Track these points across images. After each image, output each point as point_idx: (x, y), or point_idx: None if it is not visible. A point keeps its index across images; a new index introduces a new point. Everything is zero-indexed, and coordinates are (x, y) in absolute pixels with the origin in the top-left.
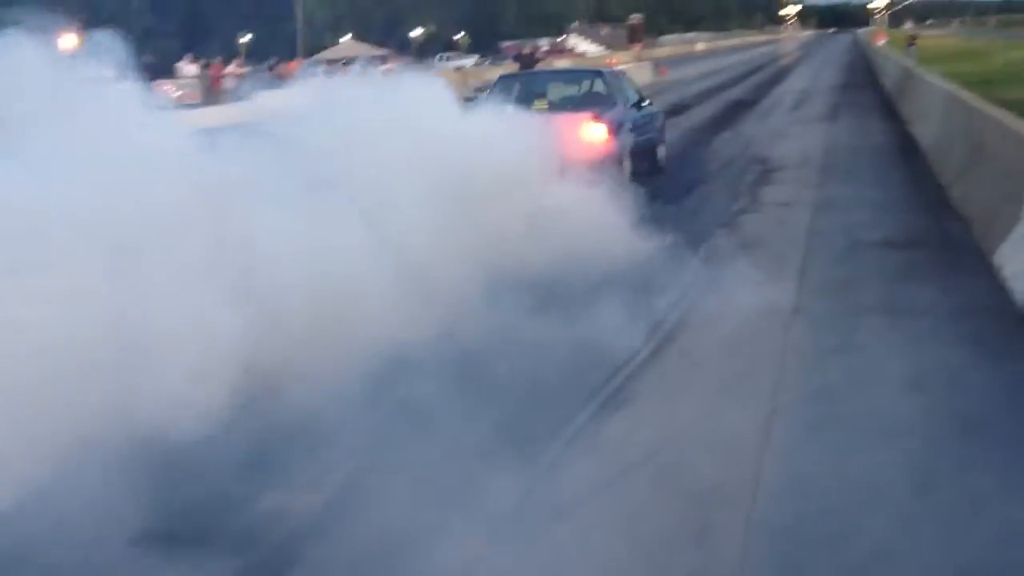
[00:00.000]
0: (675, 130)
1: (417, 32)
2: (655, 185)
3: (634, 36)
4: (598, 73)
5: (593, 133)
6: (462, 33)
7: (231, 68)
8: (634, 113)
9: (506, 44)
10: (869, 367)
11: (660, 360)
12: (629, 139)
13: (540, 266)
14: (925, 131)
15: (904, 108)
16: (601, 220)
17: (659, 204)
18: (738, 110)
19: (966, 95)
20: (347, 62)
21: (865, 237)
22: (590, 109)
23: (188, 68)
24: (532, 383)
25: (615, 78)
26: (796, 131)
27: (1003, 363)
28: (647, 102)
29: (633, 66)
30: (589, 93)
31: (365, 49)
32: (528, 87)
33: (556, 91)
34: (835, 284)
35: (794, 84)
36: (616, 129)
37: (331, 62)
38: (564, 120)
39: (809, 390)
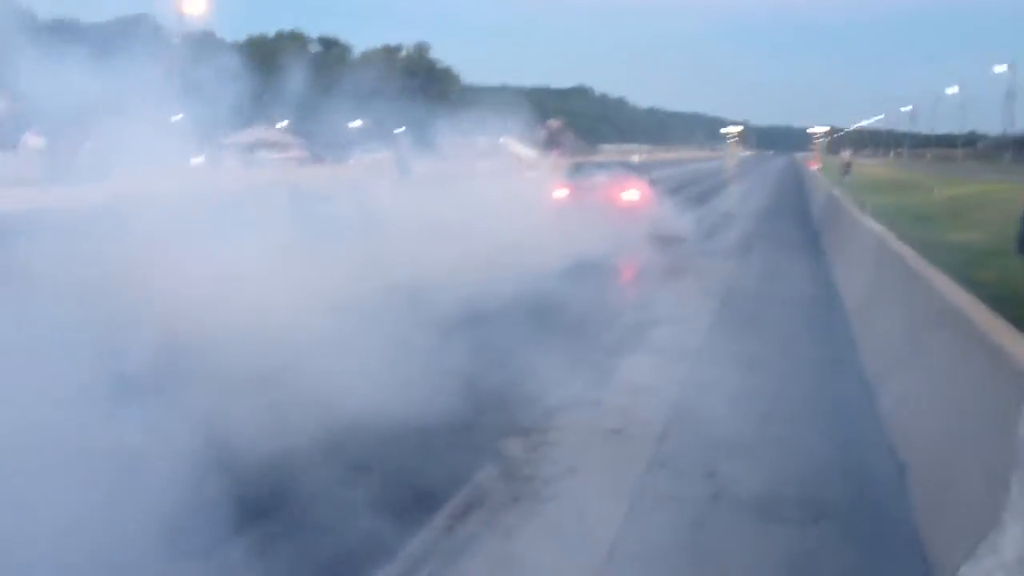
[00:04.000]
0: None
1: (355, 123)
2: None
3: (552, 141)
4: None
5: None
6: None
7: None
8: None
9: (445, 140)
10: None
11: None
12: None
13: None
14: (851, 284)
15: (830, 245)
16: None
17: None
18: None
19: (906, 252)
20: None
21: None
22: None
23: (33, 141)
24: None
25: None
26: (699, 266)
27: None
28: None
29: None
30: None
31: (272, 134)
32: None
33: None
34: None
35: (717, 206)
36: None
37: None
38: None
39: None
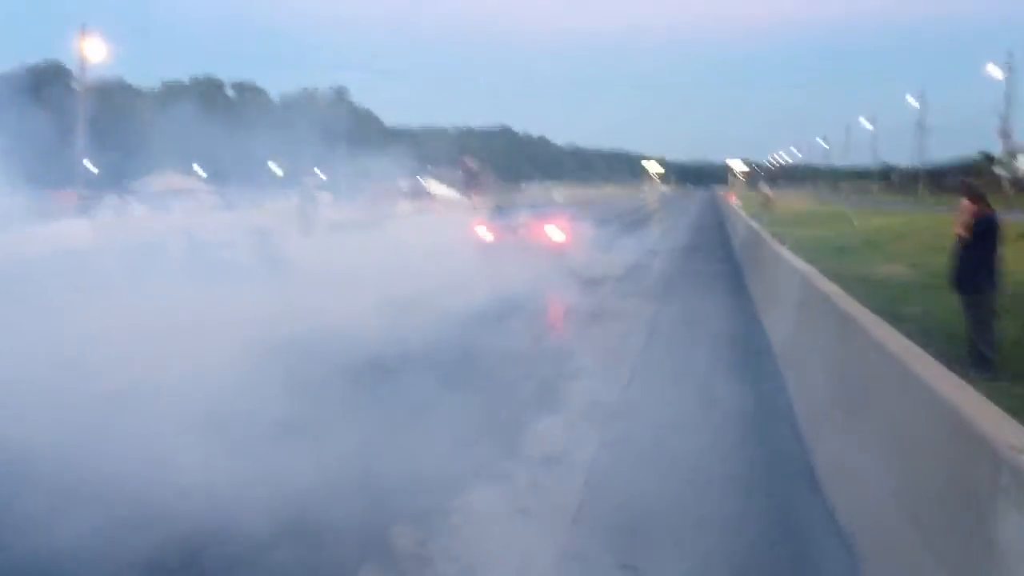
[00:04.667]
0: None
1: (274, 167)
2: None
3: (470, 180)
4: None
5: None
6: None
7: None
8: None
9: (366, 183)
10: None
11: None
12: None
13: None
14: (777, 323)
15: (754, 282)
16: None
17: None
18: (555, 276)
19: (832, 290)
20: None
21: None
22: None
23: None
24: None
25: None
26: (621, 308)
27: None
28: None
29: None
30: None
31: (181, 180)
32: None
33: None
34: None
35: (640, 243)
36: None
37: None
38: None
39: None
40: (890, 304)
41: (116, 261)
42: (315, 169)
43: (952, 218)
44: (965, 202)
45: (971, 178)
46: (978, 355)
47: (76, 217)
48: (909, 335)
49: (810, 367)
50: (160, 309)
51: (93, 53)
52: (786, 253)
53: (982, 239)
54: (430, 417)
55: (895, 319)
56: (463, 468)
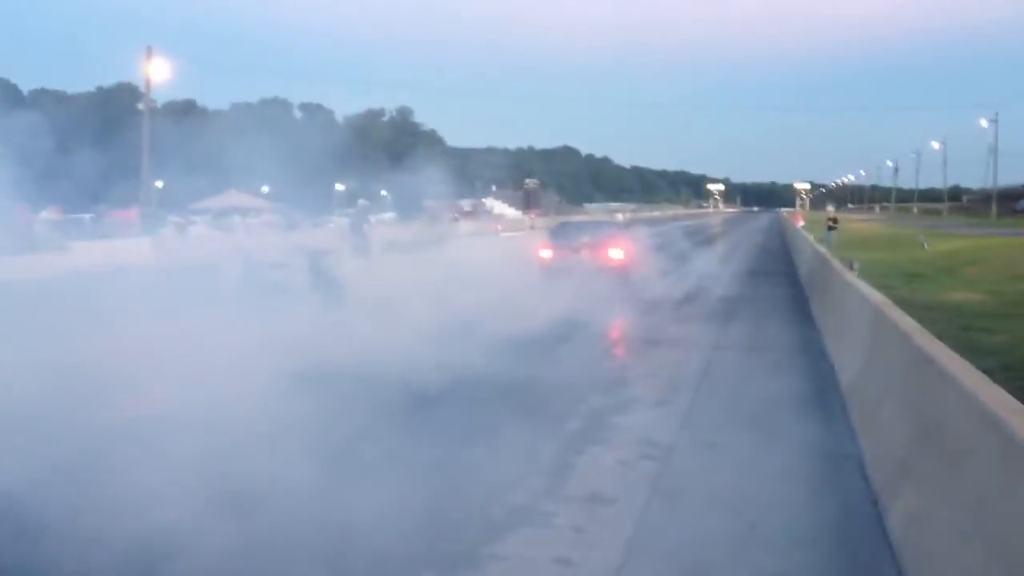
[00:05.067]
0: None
1: (339, 187)
2: None
3: (529, 201)
4: None
5: None
6: (383, 192)
7: (45, 213)
8: None
9: (429, 203)
10: None
11: None
12: None
13: None
14: (846, 357)
15: (820, 310)
16: None
17: None
18: (615, 298)
19: (907, 324)
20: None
21: None
22: None
23: None
24: None
25: None
26: (680, 334)
27: None
28: None
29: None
30: None
31: (245, 199)
32: None
33: None
34: None
35: (702, 265)
36: None
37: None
38: None
39: None
40: (967, 333)
41: (166, 280)
42: (381, 191)
43: None
44: None
45: None
46: None
47: (138, 236)
48: (992, 371)
49: (885, 413)
50: (192, 331)
51: (157, 74)
52: (855, 280)
53: None
54: (471, 447)
55: (976, 352)
56: (502, 508)
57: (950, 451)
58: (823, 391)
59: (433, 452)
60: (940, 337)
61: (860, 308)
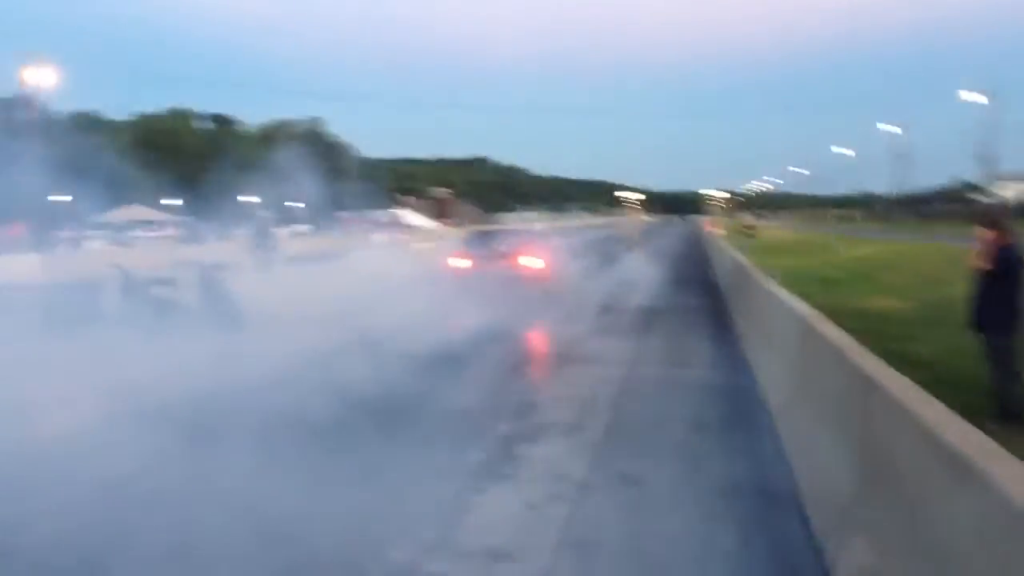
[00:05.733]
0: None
1: (251, 199)
2: None
3: (442, 211)
4: None
5: None
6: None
7: None
8: None
9: (342, 214)
10: None
11: None
12: None
13: None
14: (773, 375)
15: (744, 322)
16: None
17: None
18: (530, 310)
19: (839, 339)
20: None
21: None
22: None
23: None
24: None
25: None
26: (598, 348)
27: None
28: None
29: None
30: None
31: (148, 213)
32: None
33: None
34: None
35: (620, 273)
36: None
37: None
38: None
39: None
40: (892, 343)
41: (28, 299)
42: (295, 202)
43: (971, 249)
44: (984, 231)
45: (998, 204)
46: (1003, 408)
47: (26, 251)
48: (925, 384)
49: (817, 434)
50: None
51: (49, 82)
52: (778, 290)
53: (1004, 273)
54: (358, 485)
55: (903, 363)
56: (388, 566)
57: (909, 497)
58: (750, 413)
59: (299, 498)
60: (870, 349)
61: (786, 322)
